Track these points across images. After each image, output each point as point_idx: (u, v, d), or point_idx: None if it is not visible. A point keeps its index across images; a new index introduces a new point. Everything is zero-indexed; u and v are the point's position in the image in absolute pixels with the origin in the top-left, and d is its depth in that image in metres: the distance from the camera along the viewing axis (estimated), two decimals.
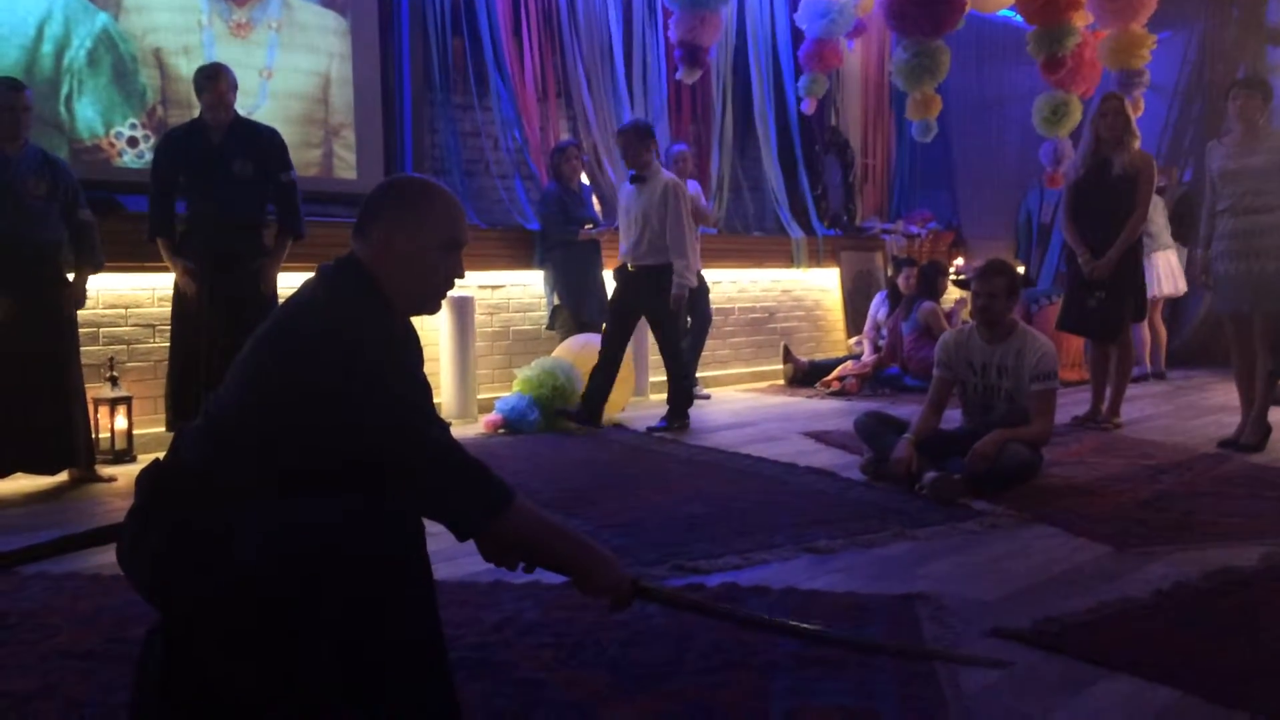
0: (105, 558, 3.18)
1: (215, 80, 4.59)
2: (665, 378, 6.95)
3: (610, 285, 6.61)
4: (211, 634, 1.78)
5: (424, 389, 1.90)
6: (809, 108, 7.61)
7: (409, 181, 2.05)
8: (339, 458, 1.78)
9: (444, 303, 2.08)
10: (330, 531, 1.68)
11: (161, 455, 1.91)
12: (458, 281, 2.03)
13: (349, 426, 1.75)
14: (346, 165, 6.23)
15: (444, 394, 6.01)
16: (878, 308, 7.77)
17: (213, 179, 4.60)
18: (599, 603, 2.70)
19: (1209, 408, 6.23)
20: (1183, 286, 7.65)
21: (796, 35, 8.27)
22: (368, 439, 1.75)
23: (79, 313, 4.44)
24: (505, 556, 1.88)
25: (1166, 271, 7.53)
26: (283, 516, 1.72)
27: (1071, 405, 5.85)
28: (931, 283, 7.34)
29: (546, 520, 1.91)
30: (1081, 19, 6.41)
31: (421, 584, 1.75)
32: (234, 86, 4.67)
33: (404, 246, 1.91)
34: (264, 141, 4.74)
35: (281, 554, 1.68)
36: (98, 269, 4.45)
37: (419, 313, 2.02)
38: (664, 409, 5.79)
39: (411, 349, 2.02)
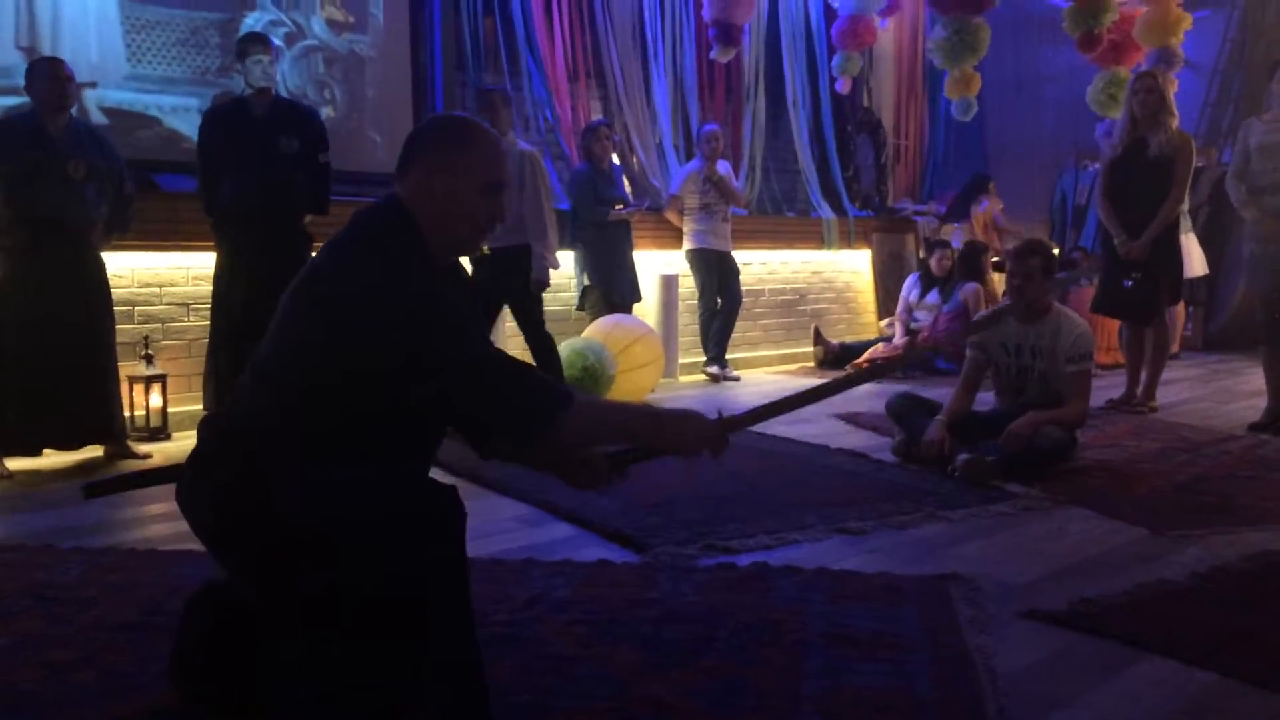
0: (141, 533, 3.23)
1: (264, 45, 4.61)
2: (703, 358, 6.98)
3: (642, 265, 6.61)
4: (256, 586, 1.82)
5: (463, 315, 1.87)
6: (844, 87, 7.55)
7: (450, 120, 2.04)
8: (385, 394, 1.79)
9: None
10: (369, 506, 1.69)
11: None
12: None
13: (393, 359, 1.75)
14: (380, 146, 6.24)
15: None
16: (909, 290, 7.70)
17: (259, 155, 4.60)
18: (631, 581, 2.72)
19: (1245, 392, 6.14)
20: (1199, 270, 7.55)
21: (829, 13, 8.21)
22: (416, 367, 1.75)
23: (113, 292, 4.48)
24: (588, 469, 1.95)
25: (1195, 253, 7.43)
26: (326, 483, 1.73)
27: (1107, 388, 5.78)
28: (974, 264, 7.26)
29: (613, 404, 1.92)
30: None
31: (456, 565, 1.76)
32: (277, 54, 4.68)
33: (443, 187, 1.90)
34: (306, 119, 4.75)
35: (322, 521, 1.69)
36: (123, 232, 4.50)
37: (458, 254, 2.02)
38: (695, 391, 5.75)
39: (454, 284, 2.02)
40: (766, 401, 2.09)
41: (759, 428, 4.88)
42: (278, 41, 5.80)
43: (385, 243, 1.85)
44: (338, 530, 1.68)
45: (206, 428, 1.92)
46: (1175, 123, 5.34)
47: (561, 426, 1.78)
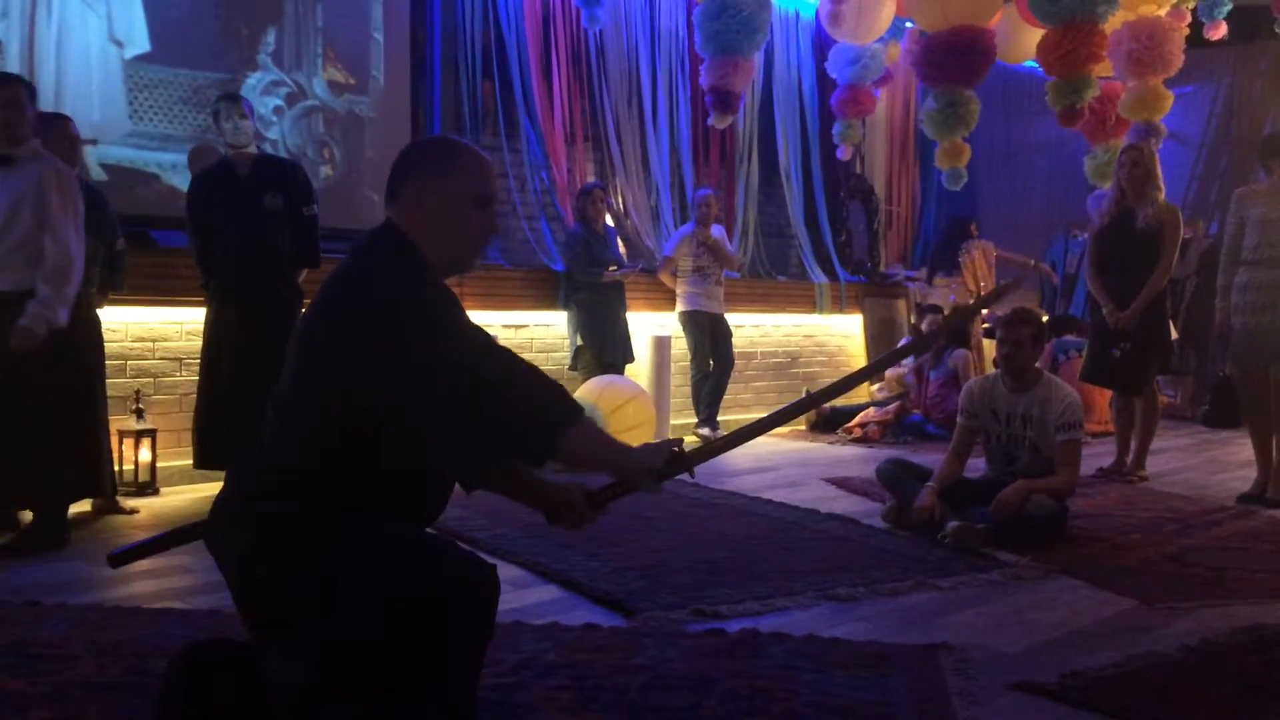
0: (125, 590, 3.20)
1: (236, 104, 4.68)
2: (695, 420, 6.98)
3: (635, 326, 6.65)
4: (276, 634, 1.84)
5: (470, 323, 1.90)
6: (845, 154, 7.64)
7: (434, 140, 2.13)
8: (400, 421, 1.82)
9: None
10: (413, 579, 1.74)
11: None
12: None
13: (405, 380, 1.78)
14: (378, 206, 6.29)
15: None
16: None
17: (245, 214, 4.64)
18: (618, 646, 2.70)
19: (1235, 462, 6.16)
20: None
21: (822, 81, 8.35)
22: (421, 375, 1.78)
23: (107, 346, 4.48)
24: (569, 509, 2.07)
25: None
26: (372, 548, 1.77)
27: (1096, 457, 5.80)
28: (961, 329, 7.30)
29: (603, 433, 1.94)
30: (1103, 70, 6.44)
31: (479, 641, 1.83)
32: (251, 113, 4.73)
33: (434, 204, 1.95)
34: (290, 174, 4.80)
35: (365, 586, 1.74)
36: (117, 290, 4.54)
37: (456, 270, 2.05)
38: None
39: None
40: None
41: (749, 491, 4.92)
42: (278, 101, 5.89)
43: (387, 260, 1.90)
44: (377, 598, 1.71)
45: (235, 473, 1.95)
46: (1161, 195, 5.41)
47: (562, 446, 1.80)
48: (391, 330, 1.77)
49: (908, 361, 7.58)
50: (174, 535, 2.19)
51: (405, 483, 1.90)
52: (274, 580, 1.81)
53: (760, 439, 6.98)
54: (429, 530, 1.96)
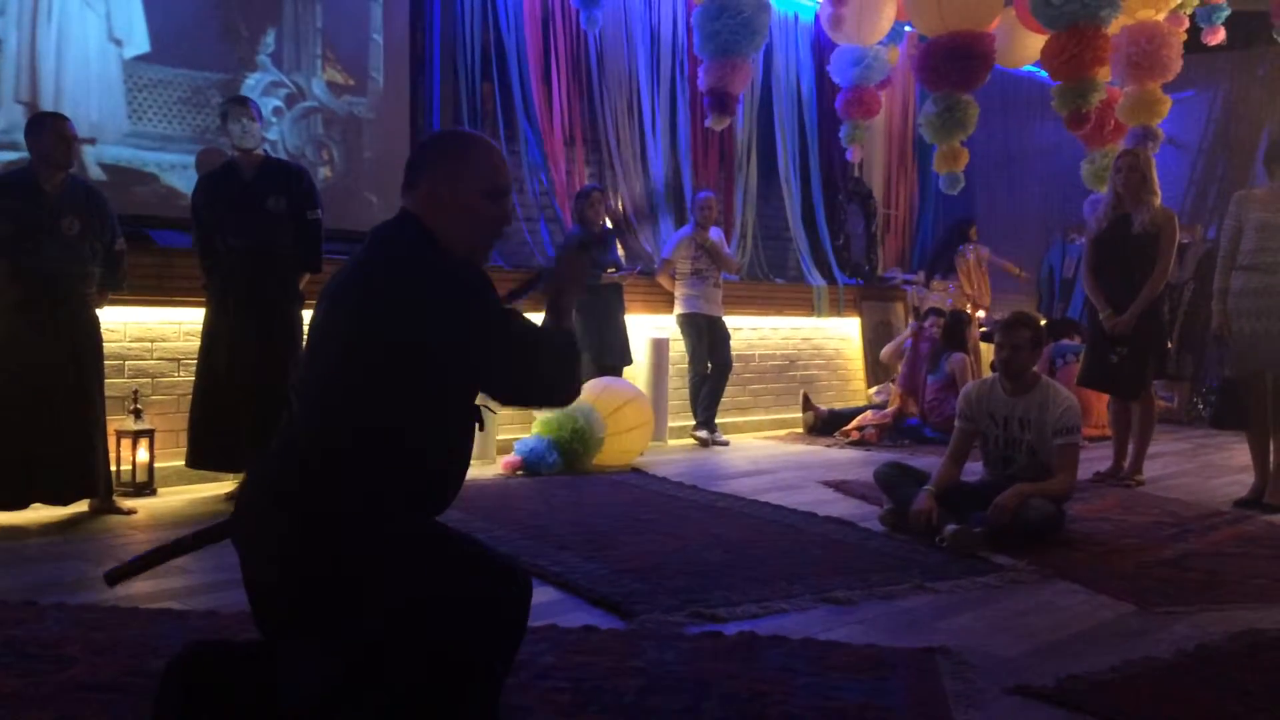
0: (123, 590, 3.18)
1: (244, 106, 4.68)
2: (693, 422, 6.97)
3: (634, 329, 6.65)
4: (295, 630, 1.87)
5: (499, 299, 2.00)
6: (854, 155, 7.66)
7: (449, 134, 2.19)
8: (433, 375, 1.90)
9: None
10: (450, 578, 1.79)
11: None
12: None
13: (446, 328, 1.88)
14: (376, 207, 6.29)
15: None
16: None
17: (247, 216, 4.65)
18: (616, 648, 2.69)
19: (1231, 467, 6.17)
20: None
21: (821, 84, 8.36)
22: (476, 335, 1.89)
23: (105, 346, 4.48)
24: None
25: None
26: (408, 548, 1.82)
27: (1093, 461, 5.80)
28: (958, 333, 7.32)
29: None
30: (1106, 74, 6.45)
31: (510, 647, 1.92)
32: (259, 115, 4.75)
33: (449, 197, 2.00)
34: (295, 178, 4.81)
35: (403, 588, 1.78)
36: (117, 289, 4.53)
37: (472, 259, 2.08)
38: (685, 456, 5.73)
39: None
40: None
41: (747, 494, 4.92)
42: (278, 102, 5.89)
43: (413, 248, 1.95)
44: (414, 600, 1.75)
45: (258, 470, 1.97)
46: (1158, 200, 5.42)
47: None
48: (430, 292, 1.87)
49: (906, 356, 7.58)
50: (170, 548, 2.18)
51: (427, 475, 1.94)
52: (306, 579, 1.81)
53: (758, 441, 7.00)
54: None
